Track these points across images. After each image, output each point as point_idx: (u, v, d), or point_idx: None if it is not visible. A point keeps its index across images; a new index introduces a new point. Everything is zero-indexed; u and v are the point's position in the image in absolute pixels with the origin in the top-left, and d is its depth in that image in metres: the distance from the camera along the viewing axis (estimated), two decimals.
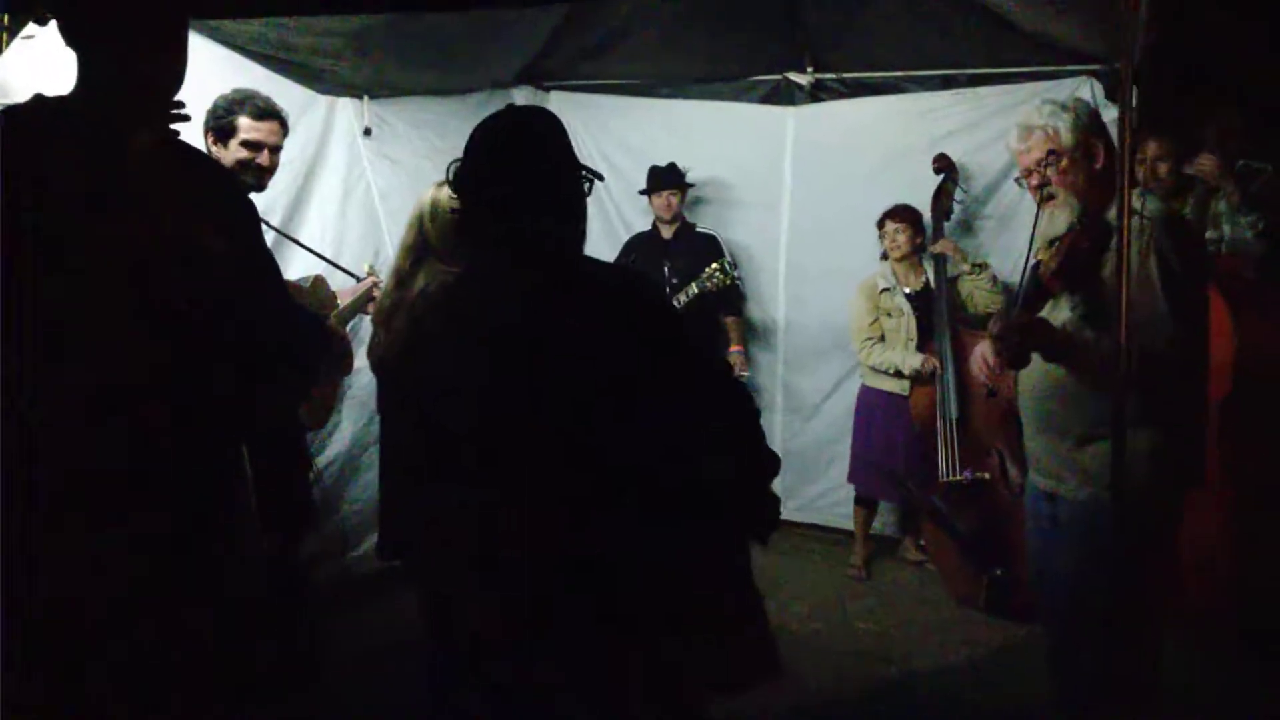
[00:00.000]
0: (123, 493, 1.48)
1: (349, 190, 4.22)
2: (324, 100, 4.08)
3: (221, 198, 1.64)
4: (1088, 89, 4.35)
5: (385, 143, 4.37)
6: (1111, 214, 2.29)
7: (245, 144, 2.93)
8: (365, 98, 4.25)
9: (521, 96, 5.11)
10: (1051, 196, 2.42)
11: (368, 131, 4.27)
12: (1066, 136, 2.38)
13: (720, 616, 1.78)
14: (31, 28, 2.80)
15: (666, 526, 1.68)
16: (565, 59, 4.97)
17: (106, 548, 1.47)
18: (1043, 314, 2.46)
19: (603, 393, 1.66)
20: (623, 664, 1.70)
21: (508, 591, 1.71)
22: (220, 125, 2.93)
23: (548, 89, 5.22)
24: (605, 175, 5.13)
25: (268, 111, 2.98)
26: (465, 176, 1.80)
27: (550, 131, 1.82)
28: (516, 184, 1.76)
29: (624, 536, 1.67)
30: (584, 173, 1.83)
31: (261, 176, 3.00)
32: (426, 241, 2.75)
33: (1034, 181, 2.45)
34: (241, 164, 2.93)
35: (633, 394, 1.67)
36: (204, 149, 2.96)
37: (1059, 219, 2.43)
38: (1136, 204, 2.24)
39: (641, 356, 1.70)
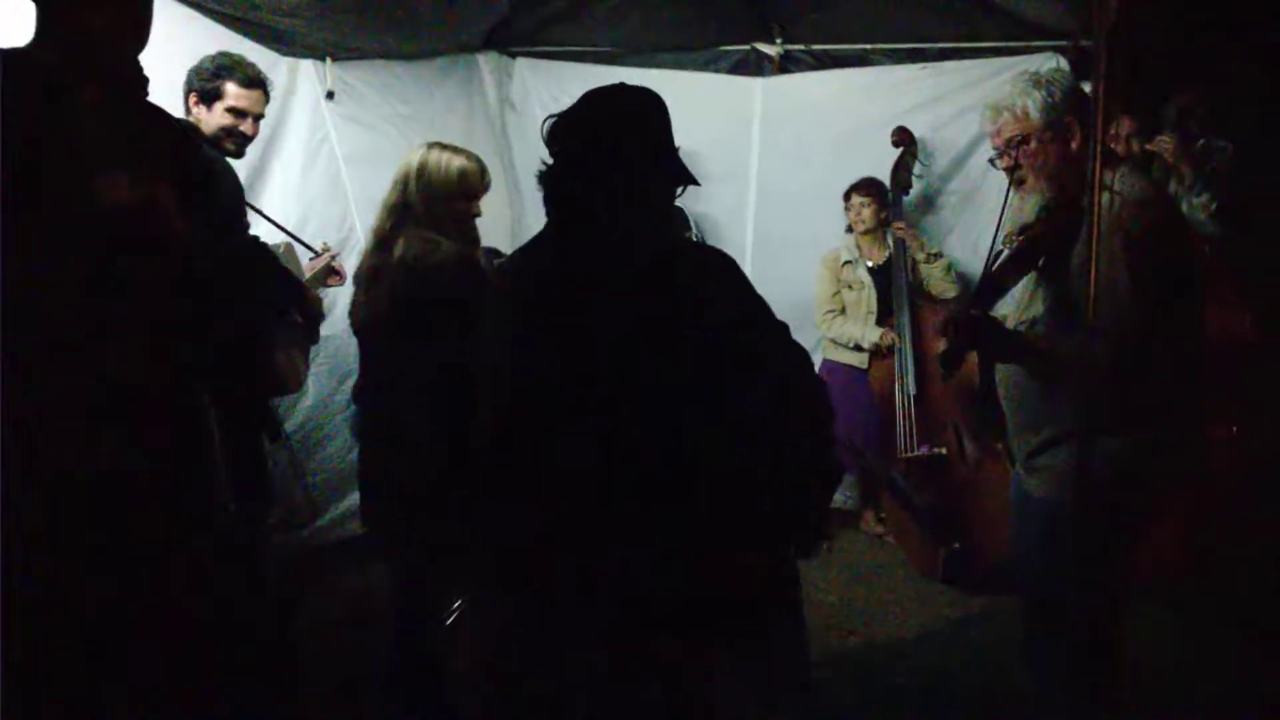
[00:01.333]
0: (82, 451, 1.45)
1: (312, 154, 4.14)
2: (285, 62, 4.00)
3: (177, 156, 1.60)
4: (1054, 65, 4.38)
5: (349, 106, 4.29)
6: (1084, 199, 2.12)
7: (231, 110, 2.95)
8: (328, 60, 4.17)
9: (487, 61, 5.05)
10: (1022, 181, 2.30)
11: (330, 95, 4.20)
12: (1035, 116, 2.23)
13: (763, 620, 1.80)
14: None
15: (729, 518, 1.69)
16: (532, 24, 4.91)
17: (69, 515, 1.44)
18: (1018, 308, 2.37)
19: (683, 372, 1.66)
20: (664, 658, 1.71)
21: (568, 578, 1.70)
22: (205, 89, 2.94)
23: (514, 54, 5.15)
24: None
25: (255, 80, 3.00)
26: (562, 136, 1.77)
27: (660, 118, 1.81)
28: (618, 164, 1.75)
29: (689, 526, 1.67)
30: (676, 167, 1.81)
31: (242, 144, 3.02)
32: (408, 204, 2.70)
33: (1004, 164, 2.33)
34: (225, 130, 2.95)
35: (712, 377, 1.67)
36: (184, 109, 2.95)
37: (1029, 204, 2.30)
38: (1113, 181, 2.12)
39: (724, 338, 1.70)
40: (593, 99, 1.80)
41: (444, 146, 2.77)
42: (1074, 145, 2.24)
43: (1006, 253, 2.29)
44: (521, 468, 1.74)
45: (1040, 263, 2.29)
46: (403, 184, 2.72)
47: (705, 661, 1.74)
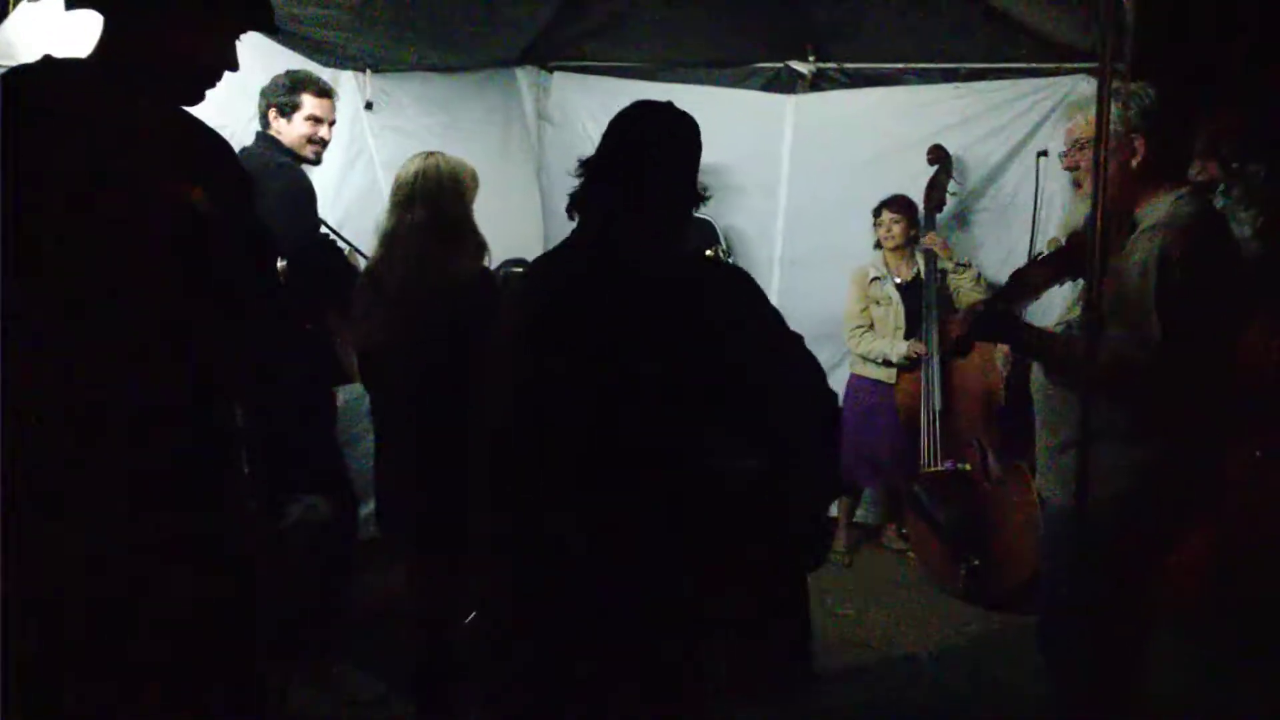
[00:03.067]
0: (118, 449, 1.49)
1: (350, 162, 4.24)
2: (326, 73, 4.07)
3: (228, 176, 1.66)
4: (1085, 86, 4.39)
5: (388, 115, 4.39)
6: (1139, 212, 2.23)
7: (310, 118, 3.23)
8: (368, 71, 4.27)
9: (524, 76, 5.13)
10: (1079, 184, 2.35)
11: (369, 105, 4.30)
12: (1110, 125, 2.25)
13: (767, 619, 1.83)
14: None
15: (737, 524, 1.73)
16: (568, 39, 4.99)
17: (100, 507, 1.48)
18: (1065, 310, 2.40)
19: (701, 385, 1.72)
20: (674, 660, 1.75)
21: (588, 584, 1.74)
22: (284, 102, 3.21)
23: (551, 69, 5.24)
24: None
25: (327, 90, 3.32)
26: (621, 144, 1.86)
27: (692, 141, 1.92)
28: (646, 177, 1.84)
29: (700, 529, 1.71)
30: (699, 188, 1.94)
31: (320, 150, 3.30)
32: (421, 213, 2.78)
33: (1067, 163, 2.39)
34: (306, 138, 3.23)
35: (728, 390, 1.74)
36: (264, 124, 3.22)
37: (1080, 209, 2.32)
38: (1164, 208, 2.18)
39: (743, 352, 1.79)
40: (643, 109, 1.90)
41: (434, 154, 2.88)
42: (1134, 163, 2.25)
43: (1044, 254, 2.32)
44: (530, 469, 1.78)
45: (1077, 270, 2.32)
46: (409, 194, 2.82)
47: (711, 660, 1.78)
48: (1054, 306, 2.46)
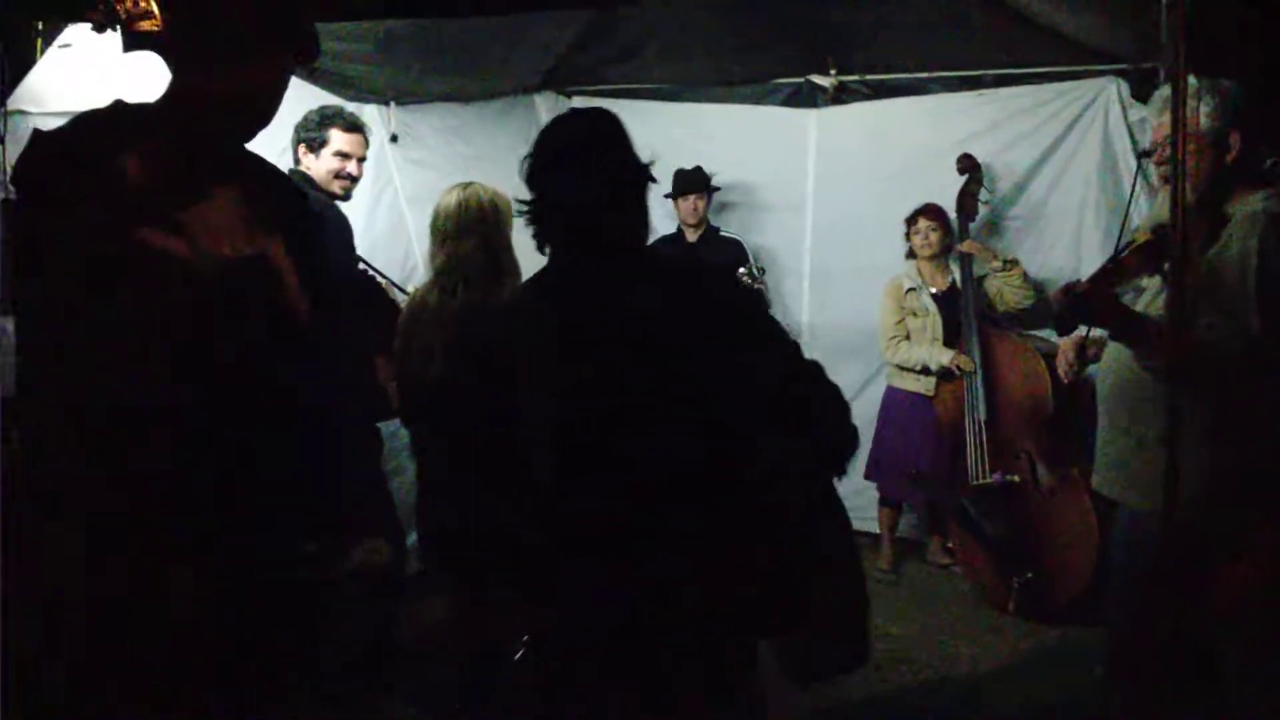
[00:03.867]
0: (179, 510, 1.48)
1: (377, 196, 4.25)
2: (350, 108, 4.09)
3: (296, 217, 1.65)
4: (1114, 89, 4.35)
5: (412, 148, 4.40)
6: (1229, 208, 2.23)
7: (338, 154, 3.22)
8: (392, 104, 4.28)
9: (544, 102, 5.13)
10: (1167, 179, 2.26)
11: (394, 138, 4.30)
12: (1203, 121, 2.25)
13: (820, 602, 1.81)
14: (68, 35, 2.84)
15: (752, 513, 1.73)
16: (588, 64, 4.99)
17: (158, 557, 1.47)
18: (1140, 301, 2.40)
19: (701, 374, 1.73)
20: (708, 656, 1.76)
21: (602, 581, 1.75)
22: (312, 138, 3.21)
23: (570, 94, 5.24)
24: None
25: (356, 125, 3.29)
26: (536, 174, 1.85)
27: (617, 132, 1.89)
28: (589, 181, 1.82)
29: (712, 524, 1.71)
30: (643, 171, 1.90)
31: (349, 185, 3.28)
32: (465, 248, 2.76)
33: (1157, 158, 2.38)
34: (334, 173, 3.22)
35: (725, 373, 1.74)
36: (294, 159, 3.22)
37: (1168, 205, 2.34)
38: (1258, 202, 2.18)
39: (729, 336, 1.78)
40: (551, 129, 1.90)
41: (466, 185, 2.88)
42: (1229, 158, 2.25)
43: (1139, 244, 2.31)
44: (547, 481, 1.81)
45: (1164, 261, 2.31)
46: (454, 230, 2.81)
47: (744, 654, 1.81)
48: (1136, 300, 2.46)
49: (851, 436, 1.88)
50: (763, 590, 1.75)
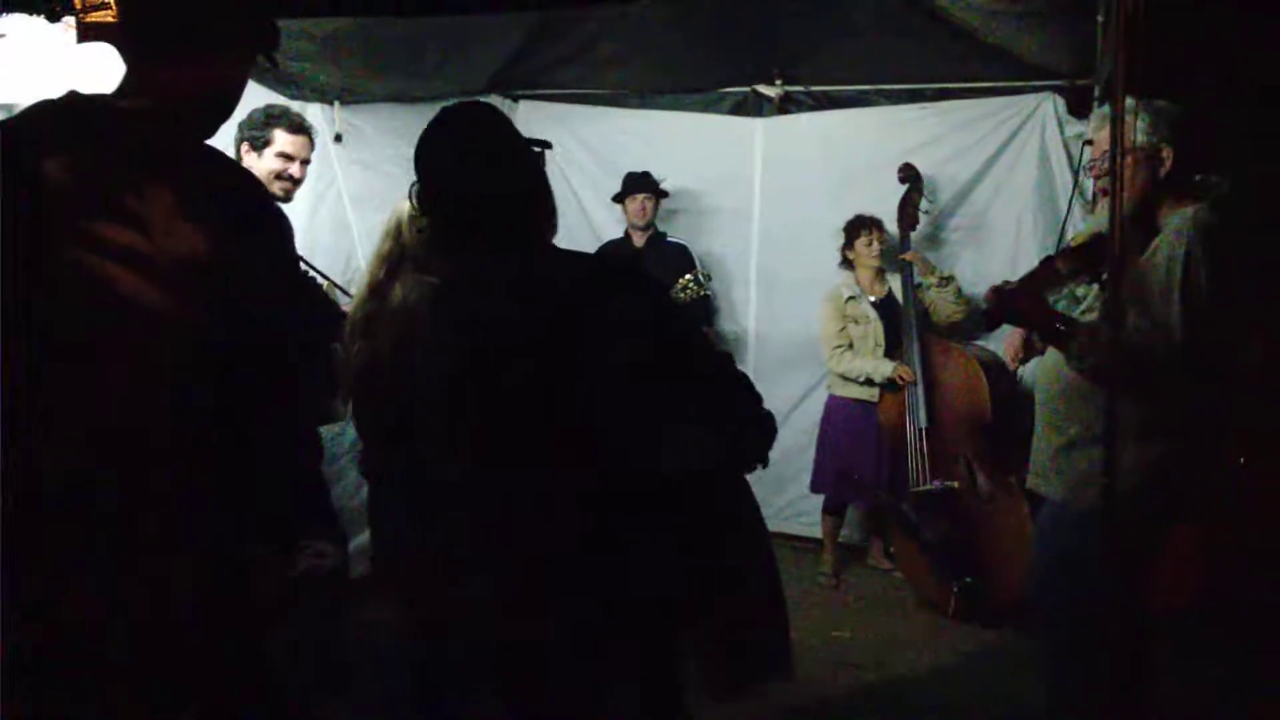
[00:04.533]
0: (132, 508, 1.44)
1: (320, 196, 4.19)
2: (294, 106, 4.03)
3: (255, 210, 1.61)
4: (1051, 104, 4.47)
5: (356, 149, 4.35)
6: (1162, 219, 2.31)
7: (280, 155, 3.15)
8: (336, 103, 4.22)
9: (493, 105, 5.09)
10: (1105, 191, 2.40)
11: (338, 138, 4.25)
12: (1139, 136, 2.33)
13: (733, 613, 1.80)
14: (2, 25, 2.76)
15: (670, 515, 1.71)
16: (536, 68, 4.97)
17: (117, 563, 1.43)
18: (1083, 311, 2.47)
19: (602, 376, 1.70)
20: (627, 661, 1.72)
21: (513, 590, 1.72)
22: (255, 137, 3.13)
23: (518, 98, 5.22)
24: (575, 184, 5.18)
25: (301, 126, 3.22)
26: (425, 189, 1.81)
27: (493, 121, 1.85)
28: (476, 182, 1.77)
29: (629, 527, 1.68)
30: (534, 146, 1.87)
31: (290, 188, 3.22)
32: (403, 249, 2.74)
33: (1095, 172, 2.46)
34: (275, 174, 3.14)
35: (630, 376, 1.70)
36: (236, 156, 3.13)
37: (1103, 216, 2.32)
38: (1188, 213, 2.26)
39: (635, 336, 1.73)
40: (432, 126, 1.84)
41: None
42: (1162, 172, 2.34)
43: (1068, 249, 2.39)
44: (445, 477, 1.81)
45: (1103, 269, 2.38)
46: (395, 232, 2.76)
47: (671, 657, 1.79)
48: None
49: (765, 425, 1.86)
50: (663, 590, 1.73)
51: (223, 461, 1.52)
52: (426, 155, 1.81)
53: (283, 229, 1.69)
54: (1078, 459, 2.30)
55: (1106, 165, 2.35)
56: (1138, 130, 2.31)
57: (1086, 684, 2.25)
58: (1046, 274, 2.39)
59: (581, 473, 1.70)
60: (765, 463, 1.86)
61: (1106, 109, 2.36)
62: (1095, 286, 2.42)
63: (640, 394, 1.72)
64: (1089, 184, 2.58)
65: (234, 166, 1.64)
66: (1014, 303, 2.33)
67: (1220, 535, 3.38)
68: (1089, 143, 2.64)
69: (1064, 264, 2.38)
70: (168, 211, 1.43)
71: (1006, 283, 2.40)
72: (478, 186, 1.77)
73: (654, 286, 1.92)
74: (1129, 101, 2.36)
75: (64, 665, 1.43)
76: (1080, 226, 2.70)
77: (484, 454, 1.74)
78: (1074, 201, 3.48)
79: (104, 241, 1.38)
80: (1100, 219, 2.38)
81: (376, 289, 2.76)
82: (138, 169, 1.43)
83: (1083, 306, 2.48)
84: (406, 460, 2.60)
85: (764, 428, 1.86)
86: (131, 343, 1.41)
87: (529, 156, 1.86)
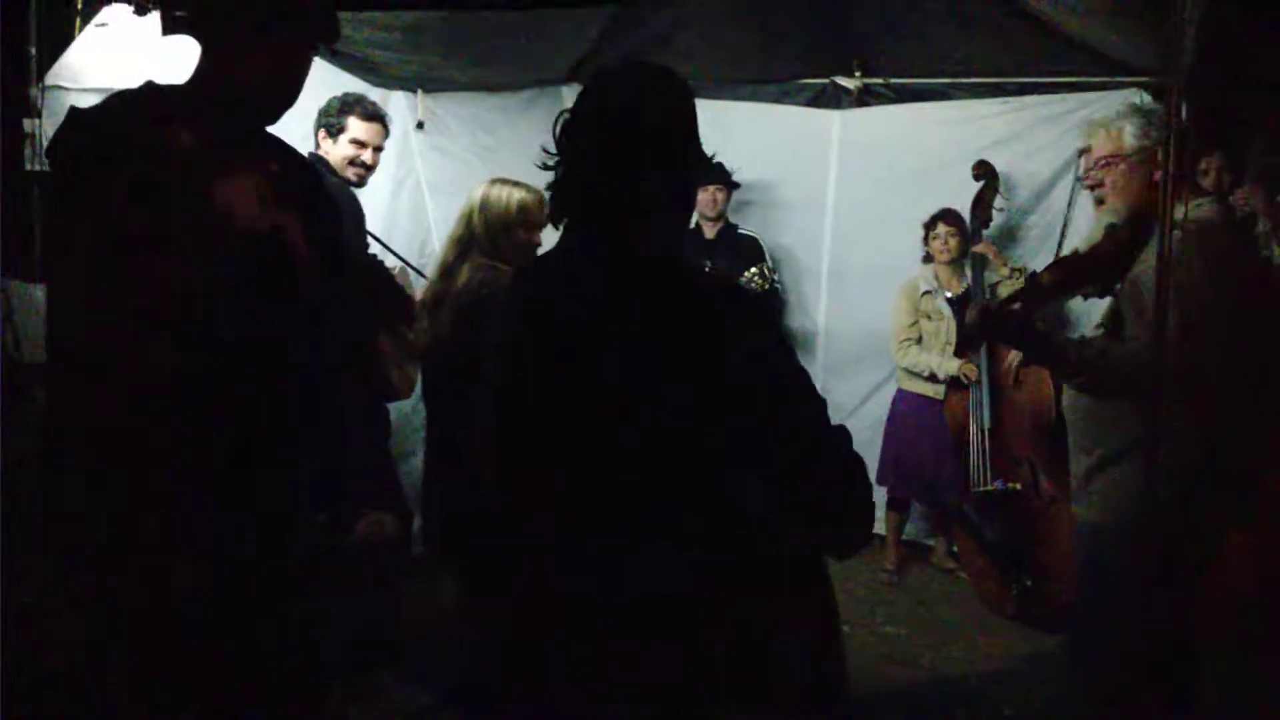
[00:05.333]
0: (188, 482, 1.53)
1: (400, 181, 4.31)
2: (377, 93, 4.15)
3: (311, 192, 1.71)
4: (1136, 101, 4.34)
5: (436, 136, 4.46)
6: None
7: (354, 141, 3.27)
8: (419, 91, 4.34)
9: (571, 95, 5.17)
10: (1101, 201, 2.35)
11: (420, 125, 4.36)
12: (1129, 140, 2.29)
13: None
14: (105, 15, 2.91)
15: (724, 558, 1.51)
16: (616, 57, 5.00)
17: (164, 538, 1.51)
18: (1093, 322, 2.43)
19: (654, 402, 1.48)
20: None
21: (571, 586, 1.57)
22: (331, 123, 3.26)
23: None
24: None
25: (375, 114, 3.33)
26: (568, 134, 1.59)
27: (672, 105, 1.59)
28: (618, 162, 1.53)
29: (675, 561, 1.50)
30: (699, 159, 1.61)
31: (364, 173, 3.33)
32: (473, 235, 2.85)
33: (1089, 181, 2.40)
34: (349, 160, 3.27)
35: (693, 409, 1.47)
36: (315, 144, 3.28)
37: (1101, 225, 2.36)
38: (1181, 212, 2.14)
39: (708, 371, 1.48)
40: (601, 81, 1.63)
41: (505, 181, 2.93)
42: (1158, 176, 2.22)
43: (1060, 261, 2.37)
44: (504, 475, 1.65)
45: (1094, 279, 2.35)
46: (467, 217, 2.89)
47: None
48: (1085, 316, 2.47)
49: (863, 523, 1.65)
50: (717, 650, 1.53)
51: (285, 429, 1.62)
52: (587, 104, 1.60)
53: (338, 210, 1.78)
54: (1106, 479, 2.27)
55: (1101, 174, 2.32)
56: (1127, 134, 2.28)
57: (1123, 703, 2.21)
58: (1033, 291, 2.36)
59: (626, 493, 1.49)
60: (852, 554, 1.65)
61: (1096, 114, 2.34)
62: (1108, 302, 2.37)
63: (718, 447, 1.47)
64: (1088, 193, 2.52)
65: (292, 152, 1.73)
66: (1001, 322, 2.29)
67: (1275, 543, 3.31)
68: (1084, 151, 2.59)
69: (1049, 278, 2.34)
70: (232, 194, 1.52)
71: (990, 300, 2.36)
72: (598, 170, 1.55)
73: (770, 333, 1.67)
74: (1121, 106, 2.33)
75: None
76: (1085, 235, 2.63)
77: (524, 449, 1.59)
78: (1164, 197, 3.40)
79: (175, 223, 1.48)
80: (1097, 231, 2.34)
81: (446, 271, 2.88)
82: (205, 155, 1.53)
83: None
84: (462, 439, 2.69)
85: (864, 519, 1.65)
86: (197, 316, 1.50)
87: (684, 159, 1.59)
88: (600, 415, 1.49)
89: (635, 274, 1.53)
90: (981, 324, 2.31)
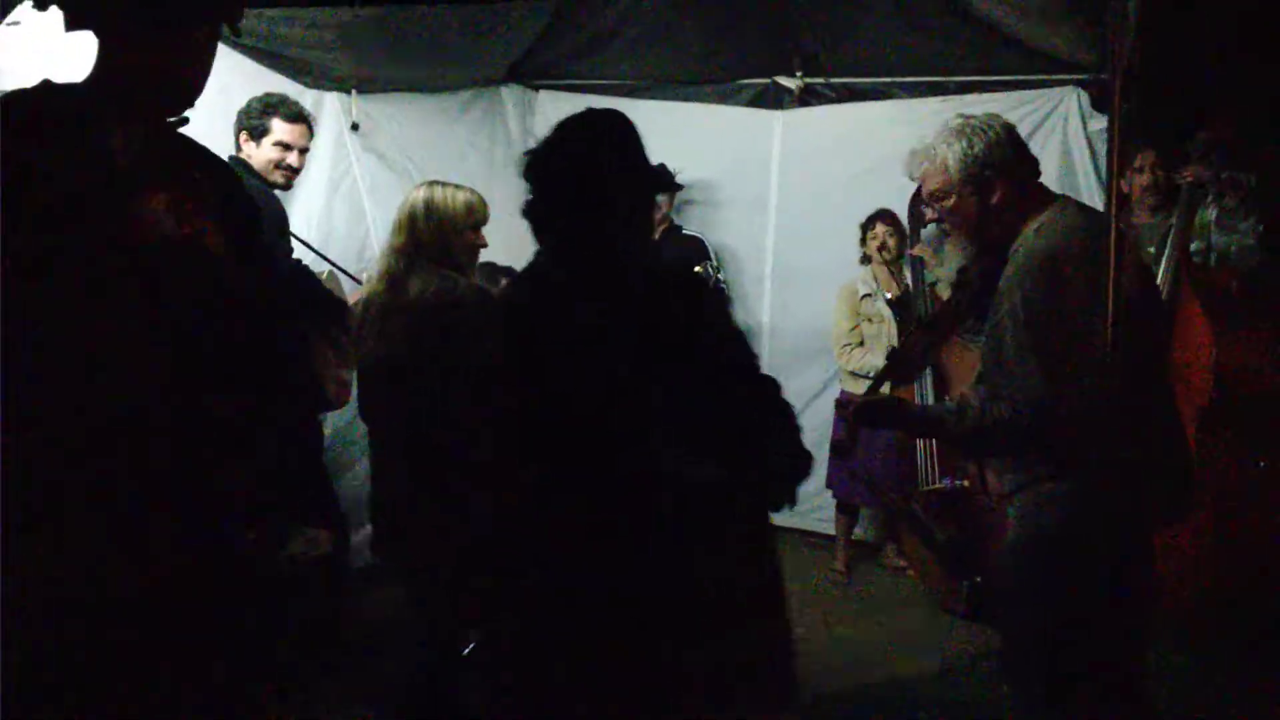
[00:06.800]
0: (121, 493, 1.45)
1: (335, 184, 4.20)
2: (310, 94, 4.04)
3: (228, 196, 1.62)
4: (1074, 99, 4.41)
5: (372, 137, 4.35)
6: (1010, 251, 2.10)
7: (278, 144, 3.17)
8: (353, 92, 4.22)
9: (510, 95, 5.11)
10: (947, 234, 2.27)
11: (355, 126, 4.25)
12: (954, 171, 2.10)
13: (746, 633, 1.81)
14: (18, 13, 2.77)
15: (696, 530, 1.74)
16: (554, 58, 4.97)
17: (106, 548, 1.44)
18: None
19: (652, 390, 1.72)
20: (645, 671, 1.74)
21: (556, 584, 1.76)
22: (254, 125, 3.16)
23: (536, 88, 5.22)
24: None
25: (299, 115, 3.24)
26: (537, 168, 1.85)
27: (624, 139, 1.88)
28: (581, 188, 1.81)
29: (653, 534, 1.72)
30: (652, 180, 1.93)
31: (290, 176, 3.24)
32: (419, 242, 2.72)
33: (930, 216, 2.30)
34: (273, 163, 3.17)
35: (680, 388, 1.73)
36: (235, 146, 3.16)
37: (953, 260, 2.27)
38: (1029, 237, 2.07)
39: (691, 352, 1.77)
40: (565, 126, 1.88)
41: (442, 183, 2.82)
42: (994, 200, 2.11)
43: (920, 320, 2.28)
44: (515, 482, 1.82)
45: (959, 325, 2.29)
46: (409, 224, 2.74)
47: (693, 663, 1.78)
48: None
49: (802, 463, 1.87)
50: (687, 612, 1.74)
51: (214, 443, 1.54)
52: (553, 143, 1.86)
53: (258, 214, 1.69)
54: (1024, 498, 2.19)
55: (940, 208, 2.19)
56: (951, 164, 2.10)
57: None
58: (901, 363, 2.35)
59: (624, 474, 1.72)
60: (793, 503, 1.86)
61: (924, 148, 2.18)
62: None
63: (684, 407, 1.74)
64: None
65: (207, 154, 1.64)
66: (870, 412, 2.24)
67: (1233, 539, 3.37)
68: (917, 195, 2.47)
69: (917, 342, 2.31)
70: (144, 199, 1.44)
71: (851, 397, 2.31)
72: (569, 193, 1.82)
73: (716, 303, 2.02)
74: (947, 129, 2.16)
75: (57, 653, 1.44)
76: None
77: (531, 449, 1.78)
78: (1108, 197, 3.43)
79: (81, 231, 1.39)
80: (952, 266, 2.28)
81: (393, 282, 2.74)
82: (113, 158, 1.44)
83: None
84: (426, 449, 2.62)
85: (800, 469, 1.87)
86: (107, 329, 1.41)
87: (632, 174, 1.88)
88: (620, 404, 1.72)
89: (621, 275, 1.82)
90: (858, 417, 2.25)
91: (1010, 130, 2.17)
